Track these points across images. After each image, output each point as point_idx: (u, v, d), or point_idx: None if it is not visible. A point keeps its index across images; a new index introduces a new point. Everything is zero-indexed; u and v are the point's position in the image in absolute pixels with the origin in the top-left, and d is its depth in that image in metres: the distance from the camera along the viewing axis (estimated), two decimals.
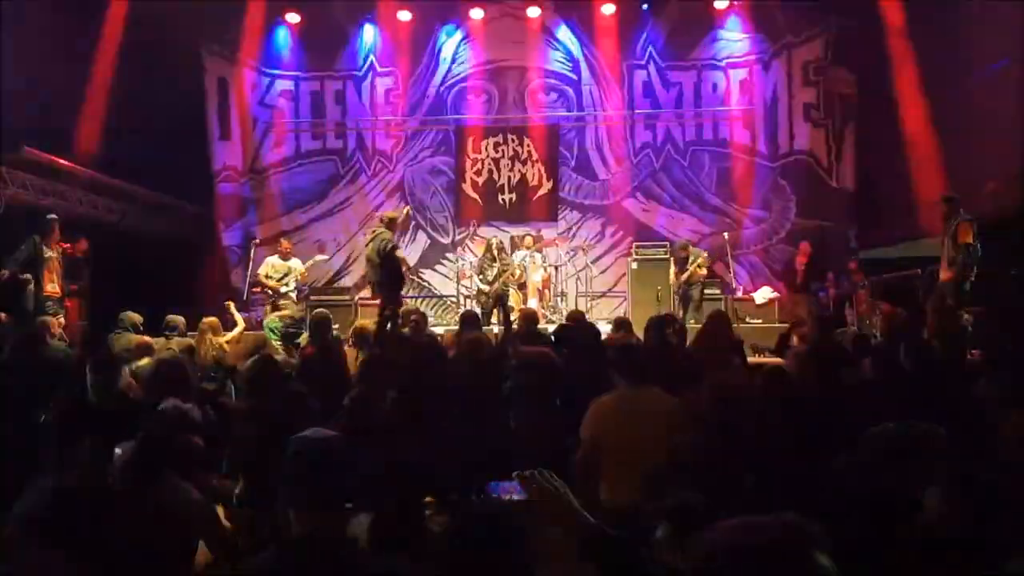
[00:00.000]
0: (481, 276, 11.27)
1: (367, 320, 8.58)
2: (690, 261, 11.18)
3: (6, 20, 9.33)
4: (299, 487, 2.18)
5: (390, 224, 9.10)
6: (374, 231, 9.10)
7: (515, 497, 2.03)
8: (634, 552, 2.01)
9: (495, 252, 11.30)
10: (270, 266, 11.21)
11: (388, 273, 8.81)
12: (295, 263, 11.38)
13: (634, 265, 11.97)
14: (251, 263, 12.05)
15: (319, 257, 12.21)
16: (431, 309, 13.51)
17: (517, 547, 1.78)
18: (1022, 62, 10.14)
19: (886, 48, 12.75)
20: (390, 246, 8.75)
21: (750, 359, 7.76)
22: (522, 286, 11.70)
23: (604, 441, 3.70)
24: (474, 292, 11.61)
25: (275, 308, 10.83)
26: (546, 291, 12.17)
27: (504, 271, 11.17)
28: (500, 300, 10.73)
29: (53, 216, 9.32)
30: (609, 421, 3.75)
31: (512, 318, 9.72)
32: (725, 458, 3.13)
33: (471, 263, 13.33)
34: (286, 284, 11.13)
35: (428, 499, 3.07)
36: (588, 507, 2.05)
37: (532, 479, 1.99)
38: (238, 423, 4.40)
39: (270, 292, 11.08)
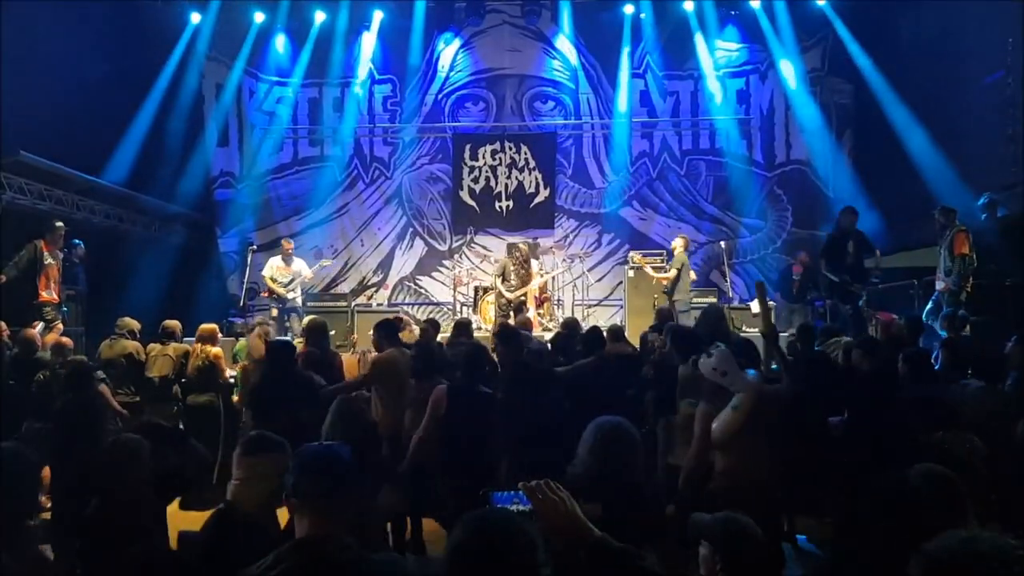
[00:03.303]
0: (505, 282, 11.16)
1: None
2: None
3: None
4: (301, 494, 2.25)
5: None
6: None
7: (519, 507, 2.03)
8: (638, 563, 2.01)
9: (522, 260, 11.20)
10: (275, 269, 11.12)
11: None
12: (300, 267, 11.30)
13: (631, 273, 11.97)
14: (248, 269, 12.04)
15: (325, 262, 12.15)
16: (428, 316, 13.46)
17: (522, 558, 1.77)
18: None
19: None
20: None
21: None
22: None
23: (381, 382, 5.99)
24: (493, 293, 11.46)
25: (282, 313, 10.83)
26: (545, 300, 12.15)
27: (538, 275, 11.27)
28: (520, 308, 10.73)
29: (60, 224, 9.31)
30: (382, 368, 6.01)
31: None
32: None
33: (468, 270, 13.36)
34: (293, 291, 11.09)
35: None
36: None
37: (537, 489, 1.99)
38: None
39: (277, 298, 11.03)
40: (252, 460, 2.93)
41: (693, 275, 11.27)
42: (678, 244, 11.18)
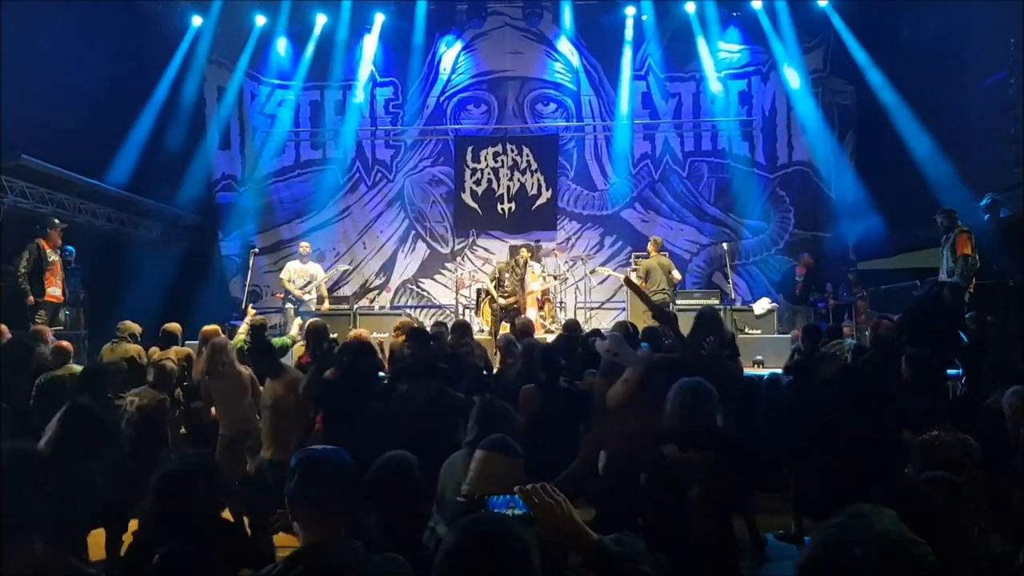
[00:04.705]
0: (500, 287, 11.14)
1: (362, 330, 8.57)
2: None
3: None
4: (303, 499, 2.27)
5: None
6: None
7: (516, 511, 2.01)
8: (635, 567, 1.99)
9: (518, 265, 11.19)
10: (292, 271, 11.18)
11: None
12: (316, 269, 11.33)
13: (633, 275, 11.93)
14: (250, 272, 12.05)
15: (342, 266, 12.14)
16: (430, 319, 13.47)
17: (515, 562, 1.76)
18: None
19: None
20: None
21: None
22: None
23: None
24: (486, 296, 11.53)
25: (296, 314, 10.83)
26: (546, 301, 12.15)
27: (539, 278, 11.31)
28: (513, 312, 10.73)
29: (57, 220, 9.32)
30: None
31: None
32: None
33: (470, 272, 13.35)
34: (308, 292, 11.12)
35: None
36: None
37: (533, 493, 1.97)
38: None
39: (293, 299, 11.07)
40: (499, 457, 2.85)
41: (666, 279, 11.00)
42: (649, 248, 11.35)
